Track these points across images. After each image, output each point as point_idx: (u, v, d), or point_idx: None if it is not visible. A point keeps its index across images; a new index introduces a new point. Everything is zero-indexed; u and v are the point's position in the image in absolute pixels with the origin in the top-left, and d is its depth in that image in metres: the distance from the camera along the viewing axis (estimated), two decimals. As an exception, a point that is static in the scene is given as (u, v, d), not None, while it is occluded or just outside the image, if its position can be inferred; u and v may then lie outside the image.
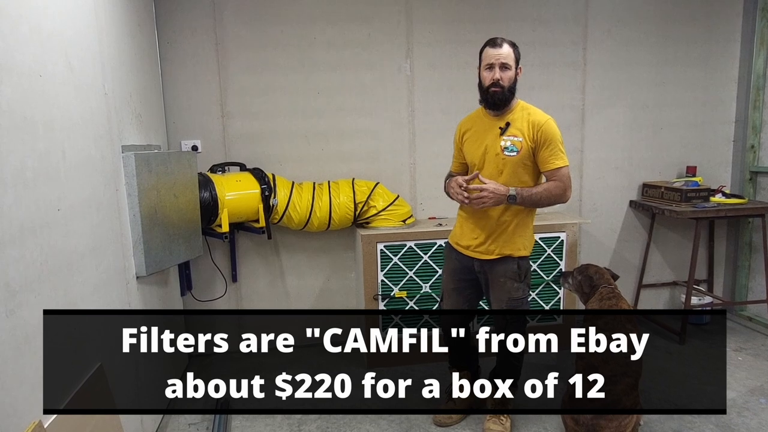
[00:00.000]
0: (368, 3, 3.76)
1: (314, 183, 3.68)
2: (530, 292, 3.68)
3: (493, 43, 2.52)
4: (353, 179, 3.72)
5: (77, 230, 2.02)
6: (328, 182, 3.69)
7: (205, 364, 3.75)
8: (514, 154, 2.53)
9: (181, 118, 3.65)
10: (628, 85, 4.15)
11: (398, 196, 3.73)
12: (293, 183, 3.62)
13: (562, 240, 3.68)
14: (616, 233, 4.34)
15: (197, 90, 3.65)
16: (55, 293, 1.82)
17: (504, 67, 2.49)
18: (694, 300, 4.05)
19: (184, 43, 3.59)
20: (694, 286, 4.03)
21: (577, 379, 2.54)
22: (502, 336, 2.70)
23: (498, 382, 2.80)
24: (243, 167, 3.64)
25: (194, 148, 3.66)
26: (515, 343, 2.66)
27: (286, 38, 3.69)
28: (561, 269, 3.68)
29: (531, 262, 3.60)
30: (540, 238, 3.65)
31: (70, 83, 2.02)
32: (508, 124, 2.56)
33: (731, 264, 4.47)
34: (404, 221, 3.68)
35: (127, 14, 2.84)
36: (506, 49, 2.50)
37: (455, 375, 2.97)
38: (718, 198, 3.99)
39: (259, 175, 3.49)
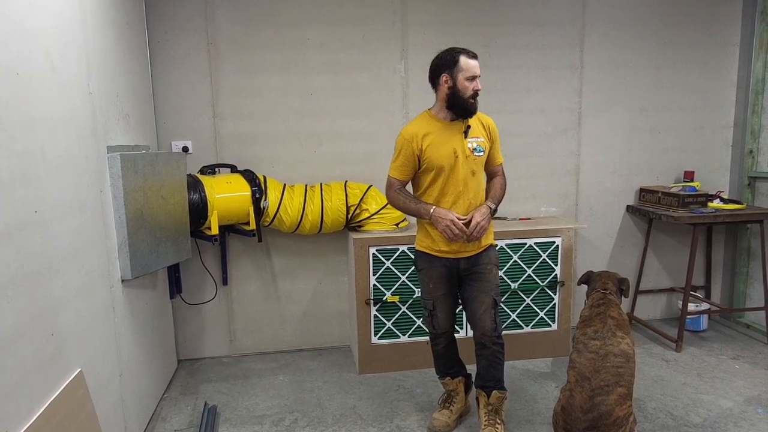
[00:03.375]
0: (363, 4, 3.71)
1: (306, 185, 3.63)
2: (524, 297, 3.66)
3: (471, 54, 2.62)
4: (346, 182, 3.67)
5: (58, 232, 1.97)
6: (321, 185, 3.64)
7: (194, 369, 3.70)
8: (482, 154, 2.69)
9: (172, 119, 3.60)
10: (626, 89, 4.11)
11: (392, 199, 3.68)
12: (285, 185, 3.57)
13: (558, 245, 3.63)
14: (613, 238, 4.29)
15: (189, 90, 3.60)
16: (32, 297, 1.76)
17: (479, 78, 2.64)
18: (692, 306, 4.00)
19: (176, 43, 3.54)
20: (692, 293, 3.98)
21: (569, 389, 2.50)
22: (494, 332, 2.70)
23: (490, 385, 2.77)
24: (234, 169, 3.59)
25: (185, 149, 3.61)
26: (501, 335, 2.75)
27: (279, 39, 3.65)
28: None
29: (525, 267, 3.62)
30: (535, 243, 3.60)
31: (51, 81, 1.97)
32: (469, 127, 2.68)
33: (729, 270, 4.43)
34: (397, 225, 3.63)
35: (115, 12, 2.80)
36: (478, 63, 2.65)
37: (448, 381, 2.93)
38: (716, 203, 3.94)
39: (249, 176, 3.44)
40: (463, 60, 2.57)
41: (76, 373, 2.07)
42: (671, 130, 4.23)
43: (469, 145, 2.65)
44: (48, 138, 1.93)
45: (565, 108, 4.05)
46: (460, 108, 2.62)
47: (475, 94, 2.61)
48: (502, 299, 3.57)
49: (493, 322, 2.68)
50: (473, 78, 2.58)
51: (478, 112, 2.72)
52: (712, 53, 4.20)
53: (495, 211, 2.72)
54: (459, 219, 2.61)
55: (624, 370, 2.46)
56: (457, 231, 2.59)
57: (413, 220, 3.90)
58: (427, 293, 2.81)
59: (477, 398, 2.85)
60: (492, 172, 2.84)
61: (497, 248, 2.95)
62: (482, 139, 2.69)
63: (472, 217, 2.63)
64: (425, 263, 2.80)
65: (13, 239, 1.67)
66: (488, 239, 2.76)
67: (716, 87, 4.25)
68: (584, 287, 3.06)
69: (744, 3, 4.16)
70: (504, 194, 2.81)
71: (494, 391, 2.75)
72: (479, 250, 2.73)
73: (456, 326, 2.92)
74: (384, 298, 3.51)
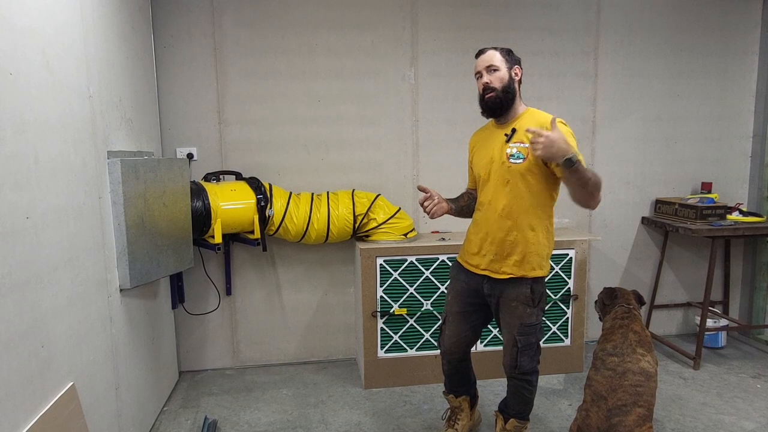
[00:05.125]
0: (372, 9, 3.64)
1: (313, 194, 3.54)
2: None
3: (478, 53, 2.48)
4: (353, 190, 3.58)
5: (50, 240, 1.89)
6: (327, 193, 3.55)
7: (196, 381, 3.60)
8: (521, 161, 2.34)
9: (177, 125, 3.53)
10: (641, 97, 4.00)
11: (400, 208, 3.58)
12: (290, 193, 3.48)
13: (571, 257, 3.51)
14: (628, 251, 4.17)
15: (194, 96, 3.53)
16: (19, 308, 1.68)
17: (491, 69, 2.39)
18: (709, 323, 3.85)
19: (182, 48, 3.48)
20: (709, 308, 3.84)
21: (585, 409, 2.38)
22: (513, 370, 2.51)
23: (509, 413, 2.62)
24: (239, 176, 3.51)
25: (190, 155, 3.54)
26: (528, 372, 2.50)
27: (286, 44, 3.58)
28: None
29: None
30: (547, 255, 3.48)
31: (46, 83, 1.90)
32: (513, 131, 2.40)
33: (748, 285, 4.28)
34: (405, 235, 3.53)
35: (119, 15, 2.73)
36: (490, 53, 2.42)
37: (451, 398, 2.80)
38: (734, 216, 3.82)
39: (255, 184, 3.36)
40: (475, 63, 2.48)
41: (68, 386, 1.98)
42: (688, 140, 4.12)
43: (508, 151, 2.37)
44: (41, 141, 1.85)
45: (578, 117, 3.95)
46: (483, 109, 2.47)
47: (486, 89, 2.38)
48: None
49: (513, 360, 2.49)
50: (479, 76, 2.44)
51: (541, 113, 2.43)
52: (731, 62, 4.09)
53: (574, 163, 2.09)
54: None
55: (643, 389, 2.33)
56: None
57: (422, 229, 3.84)
58: (446, 304, 2.72)
59: (496, 418, 2.72)
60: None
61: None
62: (526, 145, 2.31)
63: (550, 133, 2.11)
64: (453, 273, 2.70)
65: (1, 246, 1.59)
66: (519, 269, 2.41)
67: (734, 96, 4.13)
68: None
69: (764, 11, 4.05)
70: (595, 185, 2.18)
71: (512, 419, 2.62)
72: (503, 276, 2.44)
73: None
74: (391, 311, 3.40)
